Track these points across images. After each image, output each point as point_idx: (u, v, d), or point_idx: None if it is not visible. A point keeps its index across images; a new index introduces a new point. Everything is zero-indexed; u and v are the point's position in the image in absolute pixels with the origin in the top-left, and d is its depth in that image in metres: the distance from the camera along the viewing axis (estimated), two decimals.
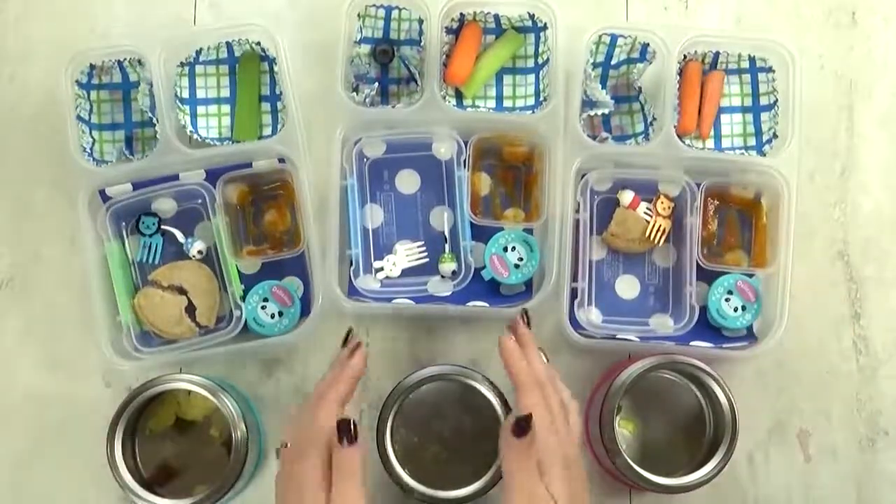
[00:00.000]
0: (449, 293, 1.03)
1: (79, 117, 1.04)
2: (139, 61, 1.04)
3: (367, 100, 1.04)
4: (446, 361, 1.00)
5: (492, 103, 1.09)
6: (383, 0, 1.05)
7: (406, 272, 1.06)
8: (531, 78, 1.08)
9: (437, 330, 1.07)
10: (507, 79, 1.09)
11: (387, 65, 1.09)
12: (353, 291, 1.03)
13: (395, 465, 0.95)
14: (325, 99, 1.04)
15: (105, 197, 1.03)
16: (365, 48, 1.07)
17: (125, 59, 1.05)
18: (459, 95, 1.08)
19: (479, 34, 1.07)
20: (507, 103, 1.09)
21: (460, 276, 1.03)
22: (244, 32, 1.05)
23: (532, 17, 1.05)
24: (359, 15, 1.05)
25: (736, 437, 0.94)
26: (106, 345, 1.00)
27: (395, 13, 1.06)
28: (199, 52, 1.06)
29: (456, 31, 1.07)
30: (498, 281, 1.03)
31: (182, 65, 1.06)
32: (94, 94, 1.07)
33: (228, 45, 1.06)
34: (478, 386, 0.96)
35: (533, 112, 1.05)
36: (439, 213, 1.06)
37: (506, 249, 1.03)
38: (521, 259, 1.03)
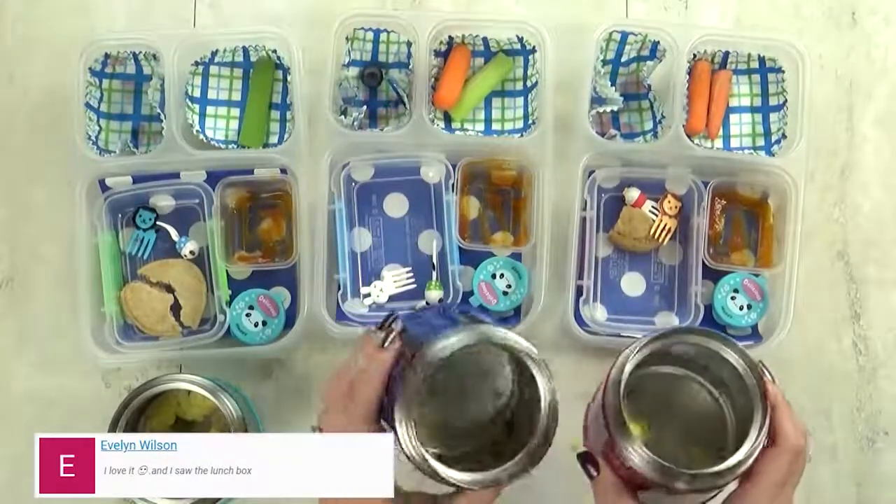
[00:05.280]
0: None
1: (88, 105, 1.04)
2: (154, 56, 1.04)
3: (355, 123, 1.03)
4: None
5: (480, 127, 1.09)
6: (372, 23, 1.04)
7: (394, 297, 1.05)
8: (520, 101, 1.08)
9: None
10: (496, 102, 1.09)
11: (375, 88, 1.08)
12: (340, 315, 1.03)
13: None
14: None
15: (104, 187, 1.03)
16: (353, 71, 1.07)
17: (141, 51, 1.04)
18: (448, 119, 1.08)
19: (468, 57, 1.07)
20: (496, 126, 1.08)
21: (447, 301, 1.03)
22: (262, 39, 1.04)
23: (521, 40, 1.05)
24: (347, 38, 1.04)
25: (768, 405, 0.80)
26: (87, 334, 1.00)
27: (383, 36, 1.06)
28: (214, 53, 1.05)
29: (444, 53, 1.07)
30: (486, 307, 1.03)
31: (197, 64, 1.05)
32: (105, 83, 1.07)
33: (245, 49, 1.06)
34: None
35: (521, 135, 1.05)
36: (428, 236, 1.06)
37: (494, 276, 1.03)
38: (509, 286, 1.03)
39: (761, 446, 0.78)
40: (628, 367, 0.82)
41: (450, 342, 0.72)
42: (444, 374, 0.79)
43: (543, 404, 0.78)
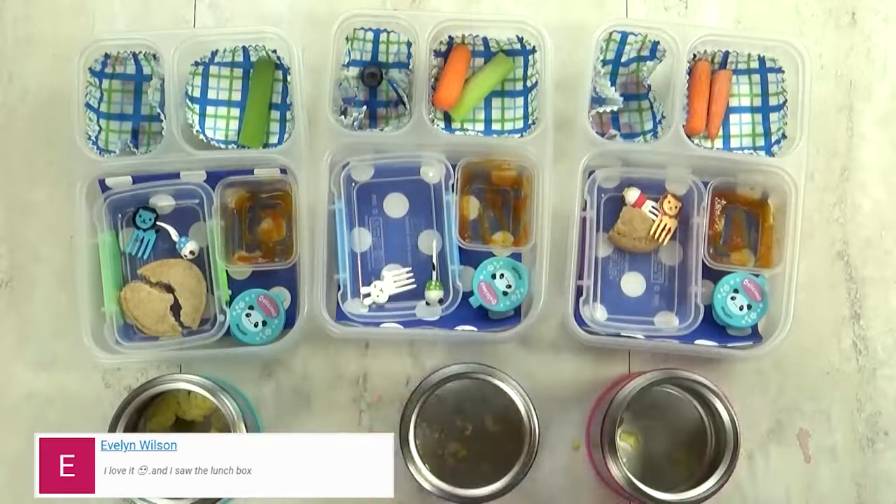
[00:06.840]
0: (437, 318, 1.02)
1: (87, 105, 1.03)
2: (154, 56, 1.03)
3: (354, 123, 1.03)
4: (471, 360, 0.99)
5: (480, 127, 1.08)
6: (372, 23, 1.04)
7: (394, 297, 1.05)
8: (520, 101, 1.08)
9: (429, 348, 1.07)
10: (496, 102, 1.09)
11: (375, 88, 1.08)
12: (340, 315, 1.03)
13: (416, 461, 0.93)
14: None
15: (104, 187, 1.03)
16: (353, 71, 1.06)
17: (141, 51, 1.04)
18: (448, 119, 1.08)
19: (468, 57, 1.06)
20: (496, 127, 1.08)
21: (447, 301, 1.02)
22: (262, 39, 1.04)
23: (521, 40, 1.05)
24: (347, 38, 1.04)
25: (737, 455, 0.92)
26: (87, 335, 1.00)
27: (383, 36, 1.05)
28: (214, 53, 1.05)
29: (444, 54, 1.06)
30: (486, 308, 1.03)
31: (197, 64, 1.05)
32: (105, 83, 1.07)
33: (245, 49, 1.05)
34: (502, 385, 0.94)
35: (521, 135, 1.05)
36: (428, 236, 1.06)
37: (494, 277, 1.02)
38: (509, 286, 1.02)
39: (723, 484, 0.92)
40: (627, 401, 0.94)
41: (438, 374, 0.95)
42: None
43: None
